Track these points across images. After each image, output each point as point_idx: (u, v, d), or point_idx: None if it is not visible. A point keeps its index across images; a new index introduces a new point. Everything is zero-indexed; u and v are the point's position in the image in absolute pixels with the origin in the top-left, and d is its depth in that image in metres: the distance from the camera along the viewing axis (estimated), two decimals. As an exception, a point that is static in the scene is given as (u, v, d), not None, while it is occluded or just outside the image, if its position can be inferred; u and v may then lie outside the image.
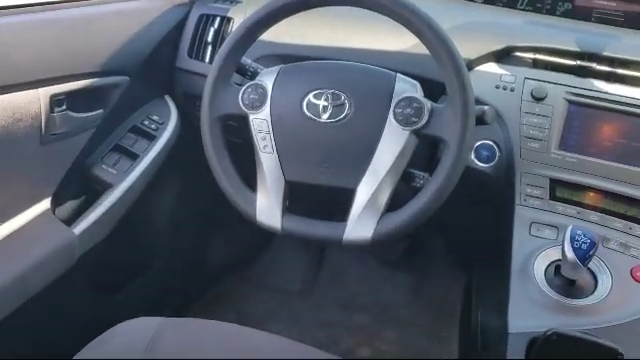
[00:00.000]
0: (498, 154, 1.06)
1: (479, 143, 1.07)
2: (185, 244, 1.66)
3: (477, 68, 1.10)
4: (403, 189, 0.94)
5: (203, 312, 1.72)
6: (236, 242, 1.81)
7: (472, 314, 1.43)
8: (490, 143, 1.06)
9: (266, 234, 0.97)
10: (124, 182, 1.20)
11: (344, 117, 0.91)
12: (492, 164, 1.06)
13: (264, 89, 0.95)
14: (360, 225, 0.90)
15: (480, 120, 0.94)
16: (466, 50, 1.07)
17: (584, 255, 0.84)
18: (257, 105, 0.95)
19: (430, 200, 0.88)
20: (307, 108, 0.93)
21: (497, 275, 1.00)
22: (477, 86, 1.04)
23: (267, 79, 0.96)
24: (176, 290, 1.66)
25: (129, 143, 1.25)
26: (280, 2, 0.93)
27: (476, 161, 1.07)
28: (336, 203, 0.94)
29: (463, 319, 1.60)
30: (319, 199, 1.10)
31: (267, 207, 0.94)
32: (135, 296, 1.49)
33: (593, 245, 0.84)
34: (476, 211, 1.21)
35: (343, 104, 0.91)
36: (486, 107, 0.95)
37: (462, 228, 1.45)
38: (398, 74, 0.94)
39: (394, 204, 0.92)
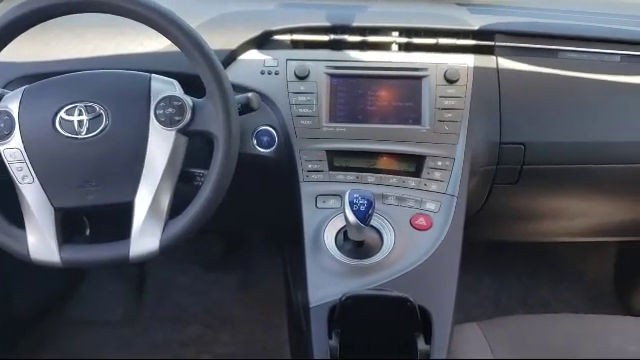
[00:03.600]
0: (277, 137, 1.08)
1: (259, 129, 1.08)
2: None
3: (240, 57, 1.10)
4: (187, 190, 0.92)
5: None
6: (42, 283, 1.66)
7: (292, 296, 1.46)
8: (268, 128, 1.08)
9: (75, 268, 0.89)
10: None
11: (103, 129, 0.86)
12: (273, 148, 1.07)
13: (10, 115, 0.87)
14: (145, 237, 0.87)
15: (246, 107, 0.95)
16: (225, 41, 1.07)
17: (364, 215, 0.88)
18: (5, 134, 0.87)
19: (210, 196, 0.87)
20: (61, 127, 0.86)
21: (299, 253, 1.02)
22: (243, 74, 1.07)
23: (11, 103, 0.88)
24: None
25: None
26: (6, 18, 0.85)
27: (258, 148, 1.08)
28: (122, 220, 0.89)
29: (288, 303, 1.63)
30: (102, 220, 1.04)
31: (40, 242, 0.87)
32: None
33: (370, 205, 0.88)
34: (270, 196, 1.23)
35: (99, 115, 0.87)
36: (250, 94, 0.96)
37: (264, 215, 1.47)
38: (153, 75, 0.91)
39: (182, 207, 0.89)
